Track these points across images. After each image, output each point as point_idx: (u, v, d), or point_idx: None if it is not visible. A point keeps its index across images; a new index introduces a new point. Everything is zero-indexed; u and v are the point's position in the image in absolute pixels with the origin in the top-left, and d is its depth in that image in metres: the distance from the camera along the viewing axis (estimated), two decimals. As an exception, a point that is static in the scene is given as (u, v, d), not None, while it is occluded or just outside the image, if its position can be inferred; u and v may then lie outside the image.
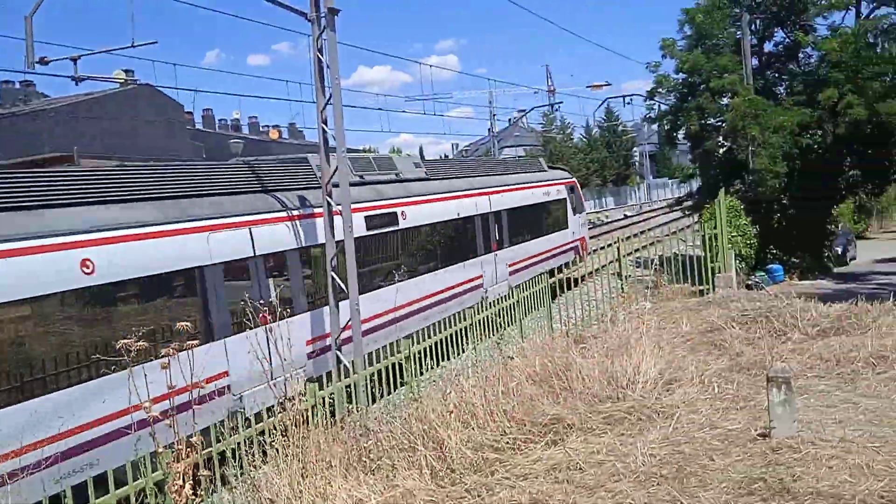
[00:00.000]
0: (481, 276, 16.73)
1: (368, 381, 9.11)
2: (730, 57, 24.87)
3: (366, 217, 13.05)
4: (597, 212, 54.76)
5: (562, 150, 62.11)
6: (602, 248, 15.46)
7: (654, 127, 34.23)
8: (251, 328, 7.19)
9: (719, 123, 25.78)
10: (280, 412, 6.65)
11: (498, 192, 18.36)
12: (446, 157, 57.52)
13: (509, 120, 62.48)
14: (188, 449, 5.53)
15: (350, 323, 11.34)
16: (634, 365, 7.74)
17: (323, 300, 11.45)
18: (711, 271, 14.91)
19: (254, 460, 6.51)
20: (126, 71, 29.87)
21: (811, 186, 24.59)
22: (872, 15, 23.71)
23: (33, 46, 15.15)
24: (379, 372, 9.23)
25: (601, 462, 5.79)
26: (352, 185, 11.81)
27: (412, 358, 9.82)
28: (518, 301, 12.67)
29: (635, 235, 17.14)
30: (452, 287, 15.46)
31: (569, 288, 13.93)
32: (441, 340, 10.65)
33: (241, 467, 6.56)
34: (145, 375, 5.36)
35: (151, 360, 5.91)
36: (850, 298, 10.22)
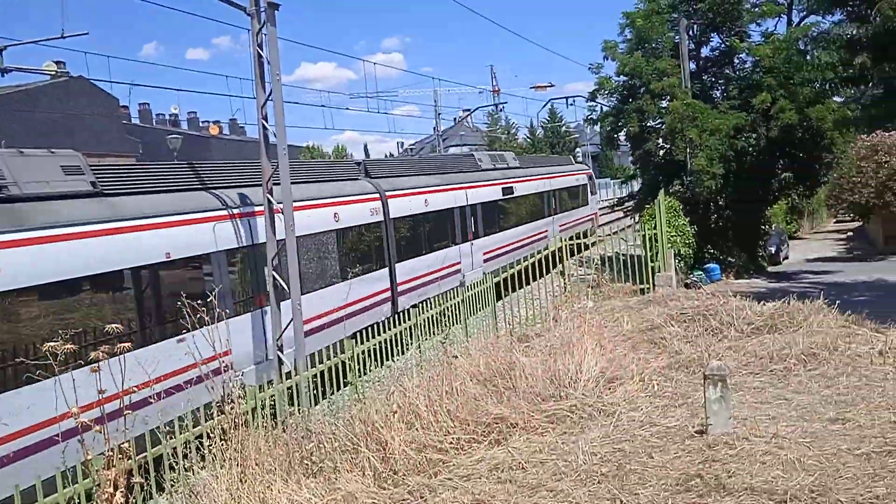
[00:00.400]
0: (546, 232, 26.25)
1: (311, 383, 8.99)
2: (668, 60, 25.43)
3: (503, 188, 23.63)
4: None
5: (507, 149, 62.58)
6: (546, 247, 15.60)
7: (597, 128, 34.76)
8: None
9: (659, 125, 26.33)
10: (219, 415, 6.49)
11: (556, 176, 28.93)
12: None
13: (454, 119, 62.74)
14: (119, 455, 5.33)
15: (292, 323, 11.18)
16: (577, 364, 7.82)
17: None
18: (651, 270, 15.20)
19: (192, 465, 6.34)
20: (57, 63, 28.78)
21: (746, 188, 25.35)
22: (803, 23, 24.58)
23: (-44, 35, 14.43)
24: (322, 373, 9.12)
25: (543, 461, 5.83)
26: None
27: (356, 358, 9.74)
28: (463, 300, 12.69)
29: (577, 236, 17.32)
30: (532, 236, 25.03)
31: (586, 248, 16.60)
32: (385, 340, 10.59)
33: (179, 472, 6.38)
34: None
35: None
36: (783, 297, 10.54)
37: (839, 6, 17.40)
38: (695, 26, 26.69)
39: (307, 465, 6.33)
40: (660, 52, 26.02)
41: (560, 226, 27.35)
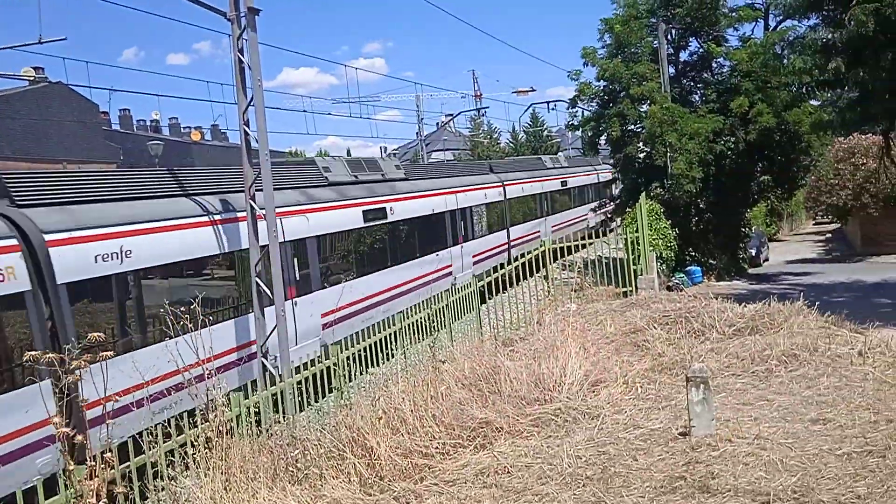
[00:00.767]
0: (587, 216, 32.55)
1: (296, 389, 8.95)
2: (648, 65, 25.63)
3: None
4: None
5: (489, 153, 62.70)
6: (529, 251, 15.64)
7: (578, 133, 34.95)
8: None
9: (639, 129, 26.52)
10: (203, 423, 6.45)
11: (587, 174, 35.61)
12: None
13: (437, 124, 62.76)
14: (102, 464, 5.28)
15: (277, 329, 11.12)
16: (561, 367, 7.85)
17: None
18: (634, 273, 15.29)
19: (175, 473, 6.28)
20: (36, 68, 28.47)
21: (726, 191, 25.60)
22: (779, 27, 24.88)
23: (-68, 41, 14.25)
24: (307, 379, 9.08)
25: (528, 465, 5.85)
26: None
27: (341, 363, 9.70)
28: (448, 305, 12.69)
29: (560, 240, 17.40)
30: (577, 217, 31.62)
31: (570, 252, 16.46)
32: (371, 345, 10.56)
33: (162, 481, 6.33)
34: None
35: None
36: (763, 299, 10.62)
37: (814, 11, 17.60)
38: (673, 31, 26.92)
39: (292, 472, 6.30)
40: (639, 56, 26.22)
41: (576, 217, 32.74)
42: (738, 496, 4.97)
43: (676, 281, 21.59)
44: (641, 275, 15.44)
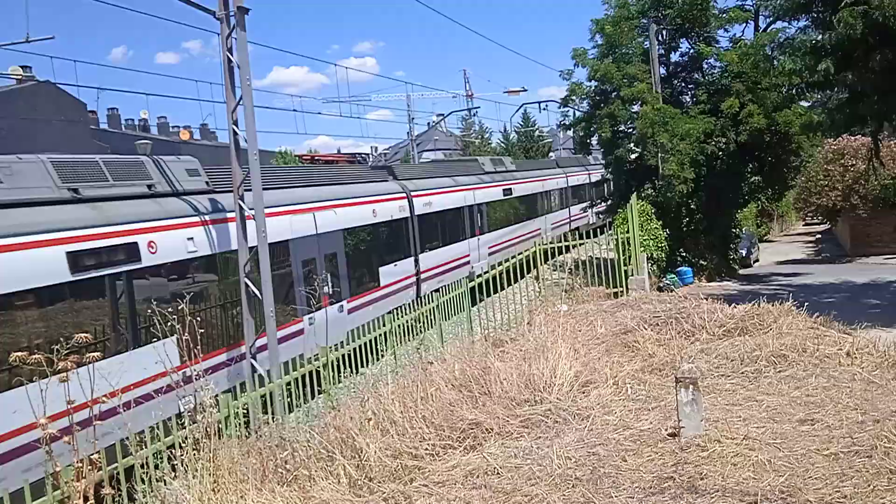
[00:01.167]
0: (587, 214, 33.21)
1: (285, 390, 8.92)
2: (639, 66, 25.70)
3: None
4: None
5: (480, 154, 62.77)
6: (520, 253, 15.65)
7: (570, 133, 35.04)
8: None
9: (630, 130, 26.58)
10: (190, 425, 6.41)
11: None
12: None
13: (428, 123, 62.73)
14: (90, 466, 5.24)
15: (265, 330, 11.09)
16: (551, 368, 7.84)
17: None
18: (625, 274, 15.32)
19: (163, 475, 6.25)
20: (23, 67, 28.27)
21: (717, 191, 25.70)
22: (769, 29, 25.01)
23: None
24: (296, 380, 9.06)
25: (518, 466, 5.84)
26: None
27: (330, 365, 9.68)
28: (438, 305, 12.69)
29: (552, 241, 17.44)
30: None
31: (560, 253, 17.31)
32: (360, 346, 10.55)
33: (150, 483, 6.29)
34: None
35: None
36: (753, 299, 10.65)
37: (804, 12, 17.70)
38: (664, 32, 27.00)
39: (281, 473, 6.27)
40: (630, 57, 26.28)
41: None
42: (726, 496, 4.98)
43: (667, 282, 21.66)
44: (632, 276, 15.47)
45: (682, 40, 27.74)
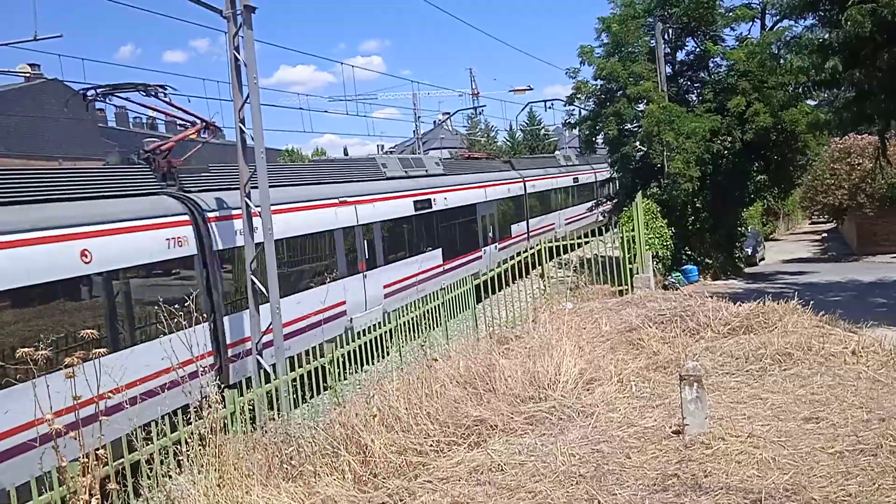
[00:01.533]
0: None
1: (290, 386, 8.96)
2: (644, 64, 25.63)
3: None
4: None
5: (487, 152, 62.72)
6: (526, 250, 15.66)
7: (575, 132, 35.02)
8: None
9: (636, 129, 26.52)
10: (196, 420, 6.44)
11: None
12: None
13: (434, 122, 62.69)
14: (95, 461, 5.27)
15: (271, 326, 11.12)
16: (556, 365, 7.86)
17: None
18: (630, 272, 15.31)
19: (169, 470, 6.28)
20: (31, 65, 28.40)
21: (722, 190, 25.63)
22: (776, 27, 24.93)
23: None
24: (302, 376, 9.09)
25: (522, 463, 5.85)
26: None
27: (335, 362, 9.71)
28: (443, 303, 12.71)
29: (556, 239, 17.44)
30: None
31: (566, 251, 16.81)
32: (365, 344, 10.57)
33: (156, 478, 6.33)
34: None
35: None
36: (758, 298, 10.65)
37: (811, 11, 17.62)
38: (670, 30, 26.92)
39: (286, 469, 6.30)
40: (636, 56, 26.21)
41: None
42: (730, 494, 4.98)
43: (672, 280, 21.64)
44: (637, 274, 15.47)
45: (688, 39, 27.67)
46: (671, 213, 24.09)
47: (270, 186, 11.29)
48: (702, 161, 24.04)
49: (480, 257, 22.40)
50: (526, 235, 26.77)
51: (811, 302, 10.31)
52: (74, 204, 9.69)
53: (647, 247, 17.24)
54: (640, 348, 9.26)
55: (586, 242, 16.54)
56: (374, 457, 6.14)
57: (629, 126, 26.76)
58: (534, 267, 15.43)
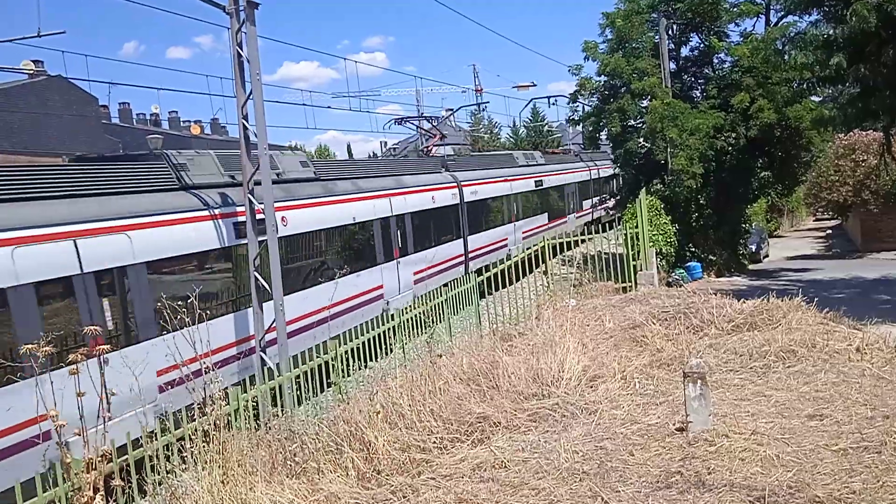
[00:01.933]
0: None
1: (294, 383, 8.97)
2: (649, 60, 25.58)
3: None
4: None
5: (490, 149, 62.67)
6: (530, 247, 15.64)
7: (579, 128, 34.95)
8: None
9: (640, 125, 26.48)
10: (200, 417, 6.45)
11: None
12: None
13: (438, 118, 62.55)
14: (100, 458, 5.28)
15: (274, 323, 11.13)
16: (559, 362, 7.85)
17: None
18: (634, 269, 15.29)
19: (173, 467, 6.30)
20: (35, 62, 28.43)
21: (726, 186, 25.58)
22: (781, 23, 24.85)
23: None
24: (306, 373, 9.10)
25: (525, 460, 5.85)
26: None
27: (339, 358, 9.72)
28: (447, 300, 12.70)
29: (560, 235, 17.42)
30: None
31: (569, 248, 16.67)
32: (369, 340, 10.57)
33: (160, 475, 6.34)
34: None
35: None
36: (762, 295, 10.63)
37: (816, 6, 17.57)
38: (674, 26, 26.86)
39: (290, 465, 6.31)
40: (640, 51, 26.16)
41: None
42: (734, 491, 4.98)
43: (676, 277, 21.60)
44: (641, 270, 15.45)
45: (692, 35, 27.60)
46: (675, 210, 24.05)
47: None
48: (705, 158, 23.99)
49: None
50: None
51: (815, 299, 10.28)
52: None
53: (651, 243, 17.21)
54: (644, 345, 9.25)
55: (588, 239, 16.54)
56: (378, 454, 6.14)
57: (633, 122, 26.73)
58: (537, 265, 15.42)
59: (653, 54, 25.86)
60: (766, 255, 32.92)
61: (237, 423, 7.27)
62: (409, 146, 62.11)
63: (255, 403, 7.94)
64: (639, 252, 15.79)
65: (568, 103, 30.38)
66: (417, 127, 32.73)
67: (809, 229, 47.09)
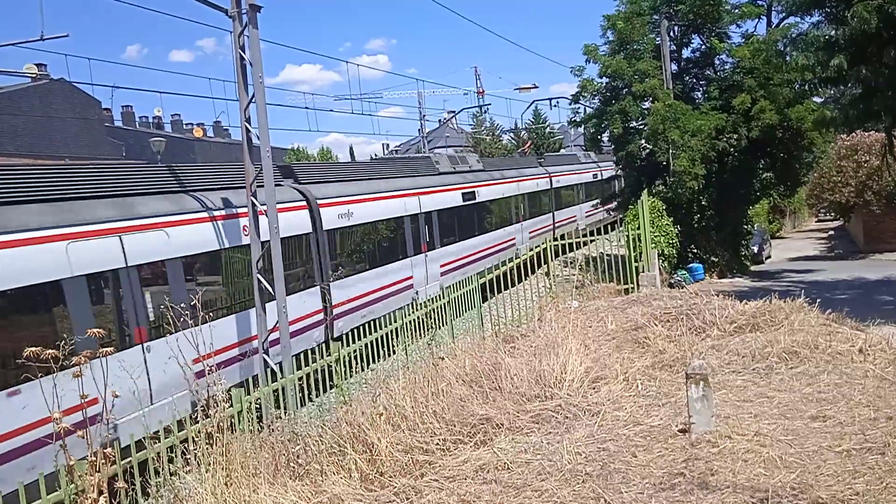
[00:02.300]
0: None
1: (297, 384, 8.97)
2: (650, 62, 25.56)
3: None
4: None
5: (491, 150, 62.69)
6: (532, 248, 15.64)
7: (581, 129, 34.95)
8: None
9: (641, 126, 26.44)
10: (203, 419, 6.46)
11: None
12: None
13: (439, 121, 62.70)
14: (104, 460, 5.30)
15: (277, 324, 11.15)
16: (562, 364, 7.86)
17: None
18: (636, 270, 15.29)
19: (176, 469, 6.31)
20: (38, 65, 28.49)
21: (728, 187, 25.55)
22: (782, 24, 24.83)
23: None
24: (308, 375, 9.10)
25: (528, 461, 5.86)
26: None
27: (342, 360, 9.73)
28: (449, 302, 12.71)
29: (562, 237, 17.43)
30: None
31: (571, 249, 17.19)
32: (371, 342, 10.58)
33: (164, 477, 6.36)
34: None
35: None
36: (765, 296, 10.61)
37: (817, 7, 17.56)
38: (675, 28, 26.85)
39: (293, 467, 6.32)
40: (641, 53, 26.13)
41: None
42: (737, 492, 4.98)
43: (678, 278, 21.58)
44: (643, 272, 15.44)
45: (693, 36, 27.57)
46: (677, 211, 24.01)
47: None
48: (707, 159, 23.96)
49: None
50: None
51: (818, 300, 10.27)
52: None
53: (653, 245, 17.21)
54: (646, 347, 9.25)
55: (592, 241, 16.54)
56: (381, 455, 6.15)
57: (634, 124, 26.67)
58: (538, 266, 15.43)
59: (654, 56, 25.84)
60: (769, 257, 32.88)
61: (240, 425, 7.27)
62: (410, 148, 62.15)
63: (258, 405, 7.95)
64: (641, 253, 15.78)
65: (570, 104, 30.35)
66: (419, 130, 32.81)
67: (811, 230, 47.05)
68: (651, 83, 24.81)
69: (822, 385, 7.27)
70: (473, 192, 22.38)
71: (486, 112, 63.35)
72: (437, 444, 6.40)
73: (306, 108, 49.12)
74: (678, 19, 26.27)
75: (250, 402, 7.68)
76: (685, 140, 23.48)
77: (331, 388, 9.49)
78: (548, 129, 70.70)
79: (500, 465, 5.88)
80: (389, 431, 6.44)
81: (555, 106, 61.49)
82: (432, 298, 12.78)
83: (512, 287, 14.08)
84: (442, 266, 19.36)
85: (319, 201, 14.27)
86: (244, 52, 11.00)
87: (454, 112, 54.42)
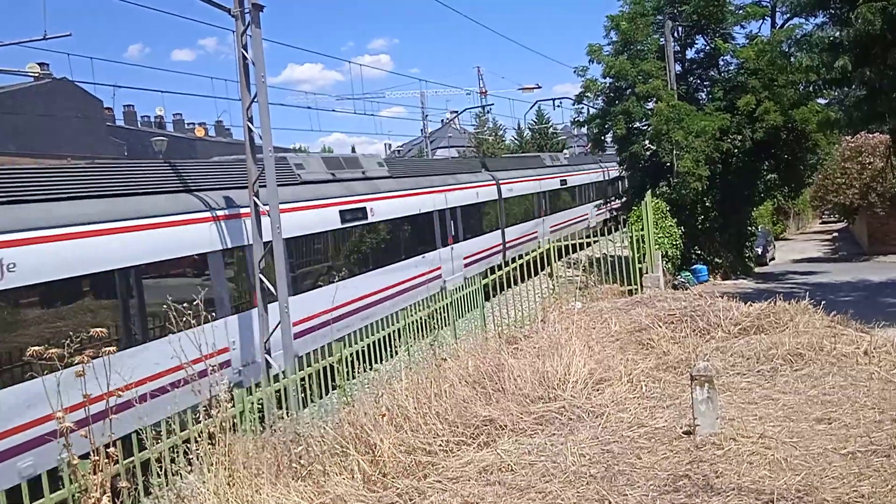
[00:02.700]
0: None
1: (299, 385, 8.96)
2: (654, 62, 25.53)
3: None
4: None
5: (494, 151, 62.67)
6: (534, 250, 15.61)
7: (584, 130, 34.93)
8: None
9: (645, 127, 26.41)
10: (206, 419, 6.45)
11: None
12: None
13: (442, 121, 62.74)
14: (106, 460, 5.28)
15: (279, 325, 11.13)
16: (565, 365, 7.83)
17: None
18: (639, 272, 15.25)
19: (179, 469, 6.29)
20: (40, 64, 28.54)
21: (732, 189, 25.51)
22: (786, 25, 24.78)
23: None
24: (310, 376, 9.09)
25: (532, 463, 5.83)
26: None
27: (344, 360, 9.71)
28: (451, 303, 12.69)
29: (565, 238, 17.38)
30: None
31: (574, 250, 17.64)
32: (374, 343, 10.56)
33: (166, 477, 6.34)
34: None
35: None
36: (769, 298, 10.58)
37: (821, 9, 17.53)
38: (679, 28, 26.82)
39: (296, 468, 6.29)
40: (645, 54, 26.11)
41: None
42: (742, 495, 4.95)
43: (682, 279, 21.56)
44: (647, 273, 15.40)
45: (697, 37, 27.55)
46: (680, 213, 23.98)
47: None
48: (711, 160, 23.93)
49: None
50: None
51: (822, 302, 10.23)
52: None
53: (657, 246, 17.17)
54: (650, 348, 9.21)
55: (595, 242, 16.51)
56: (384, 456, 6.13)
57: (638, 124, 26.65)
58: (542, 267, 15.38)
59: (658, 56, 25.81)
60: (773, 258, 32.82)
61: (243, 425, 7.26)
62: (412, 148, 62.19)
63: (260, 406, 7.94)
64: (644, 255, 15.74)
65: (573, 104, 30.30)
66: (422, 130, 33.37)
67: (816, 232, 46.96)
68: (655, 84, 24.78)
69: (826, 387, 7.24)
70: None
71: (488, 112, 63.36)
72: (440, 445, 6.37)
73: (308, 107, 49.28)
74: (682, 20, 26.25)
75: (252, 403, 7.67)
76: (689, 141, 23.44)
77: (333, 389, 9.47)
78: (551, 130, 70.59)
79: (503, 466, 5.85)
80: (392, 432, 6.41)
81: (558, 106, 61.58)
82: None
83: (515, 286, 14.05)
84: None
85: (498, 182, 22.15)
86: (246, 52, 11.00)
87: (457, 112, 54.42)
